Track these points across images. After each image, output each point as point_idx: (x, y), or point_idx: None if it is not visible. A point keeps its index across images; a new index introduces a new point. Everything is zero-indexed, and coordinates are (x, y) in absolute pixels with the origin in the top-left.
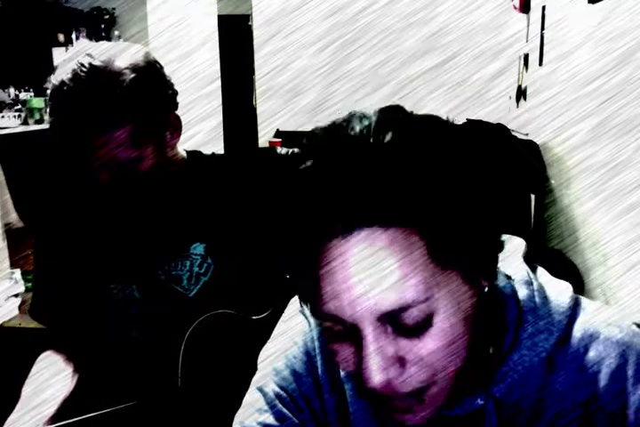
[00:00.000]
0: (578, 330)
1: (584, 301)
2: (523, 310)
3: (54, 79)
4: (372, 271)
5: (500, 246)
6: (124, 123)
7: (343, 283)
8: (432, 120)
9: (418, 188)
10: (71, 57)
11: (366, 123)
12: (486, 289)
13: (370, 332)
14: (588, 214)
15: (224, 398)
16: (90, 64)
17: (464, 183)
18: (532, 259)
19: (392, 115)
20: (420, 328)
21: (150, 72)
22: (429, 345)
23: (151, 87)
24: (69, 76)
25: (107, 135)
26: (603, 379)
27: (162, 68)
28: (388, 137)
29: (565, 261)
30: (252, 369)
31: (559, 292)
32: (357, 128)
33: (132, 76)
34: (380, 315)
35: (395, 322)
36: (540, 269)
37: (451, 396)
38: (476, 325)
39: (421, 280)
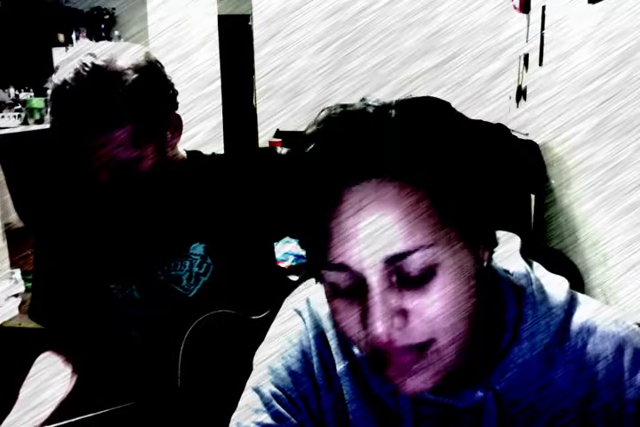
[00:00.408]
0: (575, 324)
1: (580, 295)
2: (522, 304)
3: (56, 78)
4: (380, 218)
5: (500, 217)
6: (126, 122)
7: (352, 229)
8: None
9: (424, 144)
10: (72, 56)
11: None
12: (485, 264)
13: (375, 281)
14: (587, 214)
15: (223, 399)
16: (92, 63)
17: (468, 146)
18: (531, 257)
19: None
20: (424, 278)
21: (152, 72)
22: (432, 297)
23: (153, 87)
24: (71, 75)
25: (108, 135)
26: (600, 372)
27: (163, 67)
28: (401, 102)
29: (565, 261)
30: (251, 369)
31: (556, 286)
32: (371, 100)
33: (135, 75)
34: (386, 260)
35: (400, 273)
36: (536, 264)
37: (445, 382)
38: (478, 299)
39: (425, 228)
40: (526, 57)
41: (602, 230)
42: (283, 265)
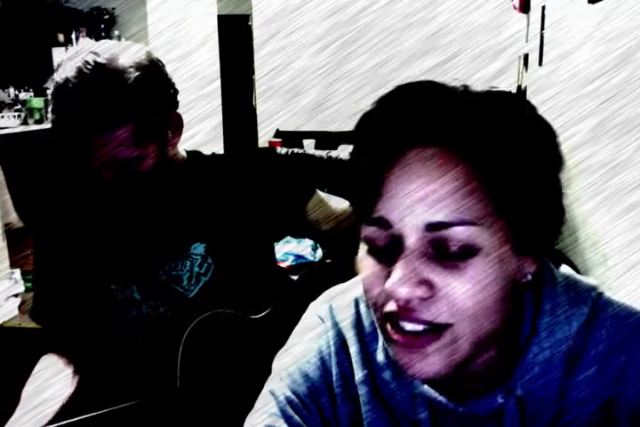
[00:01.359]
0: (601, 323)
1: (608, 296)
2: (542, 301)
3: (58, 76)
4: (429, 184)
5: (559, 223)
6: (128, 121)
7: (401, 189)
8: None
9: (488, 123)
10: (74, 55)
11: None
12: (529, 277)
13: (412, 242)
14: (587, 214)
15: (223, 398)
16: (94, 62)
17: (532, 136)
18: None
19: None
20: (460, 256)
21: (153, 71)
22: (463, 279)
23: (154, 86)
24: (74, 73)
25: (110, 133)
26: (626, 372)
27: (164, 66)
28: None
29: (565, 262)
30: (251, 368)
31: (582, 285)
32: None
33: (137, 74)
34: (428, 225)
35: (438, 244)
36: (564, 265)
37: (464, 390)
38: (507, 304)
39: (473, 205)
40: (526, 57)
41: (602, 230)
42: (283, 265)
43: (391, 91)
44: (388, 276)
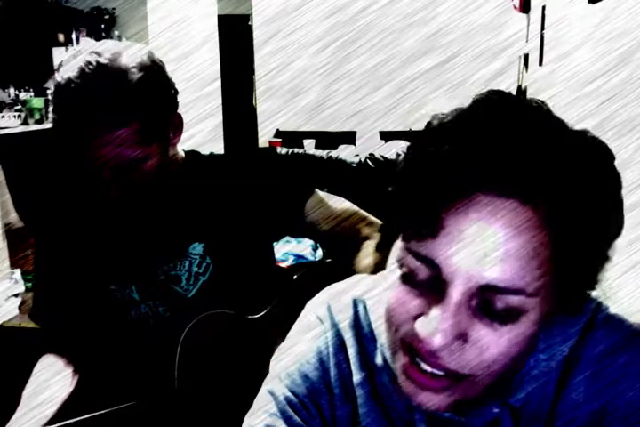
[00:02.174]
0: (597, 335)
1: (606, 305)
2: None
3: (59, 76)
4: (495, 240)
5: (596, 280)
6: (130, 121)
7: (461, 236)
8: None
9: (556, 164)
10: (76, 55)
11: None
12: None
13: (457, 293)
14: None
15: (221, 398)
16: (97, 62)
17: (596, 181)
18: None
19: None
20: (504, 318)
21: (155, 71)
22: (500, 338)
23: (156, 86)
24: (76, 73)
25: (112, 132)
26: (621, 384)
27: (165, 67)
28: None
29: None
30: (249, 368)
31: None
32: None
33: (139, 74)
34: (482, 285)
35: (485, 299)
36: None
37: (470, 399)
38: (528, 345)
39: (538, 275)
40: (526, 57)
41: None
42: (283, 265)
43: (469, 108)
44: (420, 312)
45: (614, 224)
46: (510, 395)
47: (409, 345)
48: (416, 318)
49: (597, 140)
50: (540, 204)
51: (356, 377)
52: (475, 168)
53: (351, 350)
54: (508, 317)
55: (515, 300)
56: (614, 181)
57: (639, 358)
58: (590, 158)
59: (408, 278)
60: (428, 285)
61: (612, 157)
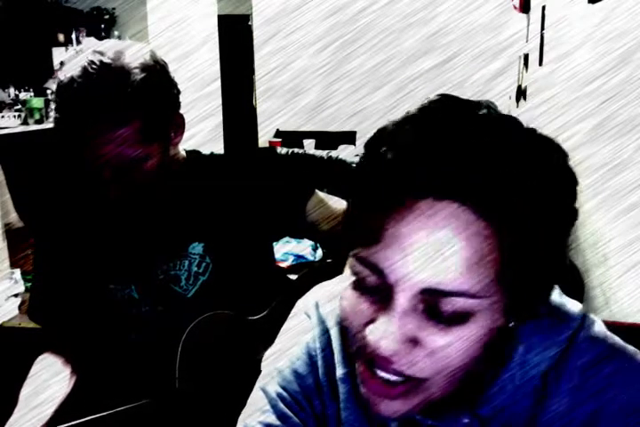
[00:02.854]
0: (579, 355)
1: (591, 322)
2: (521, 331)
3: (62, 75)
4: (437, 243)
5: (550, 288)
6: (132, 120)
7: (402, 242)
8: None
9: (506, 167)
10: (79, 54)
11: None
12: (511, 325)
13: (403, 299)
14: (587, 214)
15: (222, 399)
16: (100, 61)
17: (540, 182)
18: None
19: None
20: (451, 321)
21: (158, 71)
22: (450, 339)
23: (159, 85)
24: (79, 72)
25: (113, 132)
26: (601, 407)
27: (167, 66)
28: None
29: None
30: (249, 369)
31: (563, 312)
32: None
33: (142, 73)
34: (422, 290)
35: (430, 303)
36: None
37: (432, 405)
38: (489, 349)
39: (482, 276)
40: (526, 57)
41: (602, 230)
42: (283, 265)
43: (409, 117)
44: (370, 319)
45: (566, 223)
46: (481, 406)
47: (364, 352)
48: (367, 324)
49: (547, 139)
50: (484, 206)
51: (339, 372)
52: (412, 173)
53: (336, 346)
54: (455, 319)
55: (459, 302)
56: (564, 179)
57: (624, 367)
58: (536, 158)
59: (358, 285)
60: (377, 291)
61: (562, 156)
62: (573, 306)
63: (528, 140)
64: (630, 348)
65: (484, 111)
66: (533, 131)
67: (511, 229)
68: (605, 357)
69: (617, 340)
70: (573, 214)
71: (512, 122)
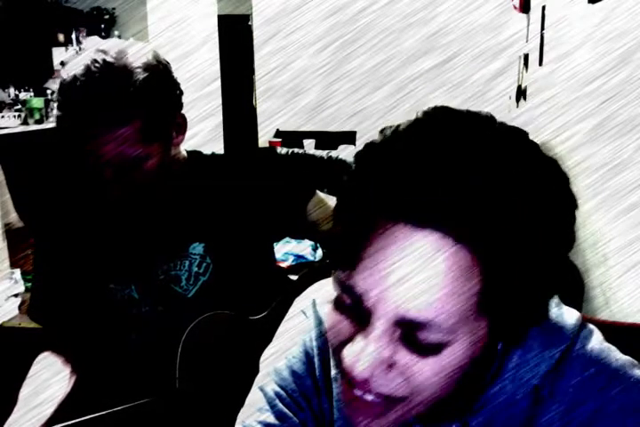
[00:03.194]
0: (573, 367)
1: (588, 333)
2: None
3: (65, 73)
4: (414, 272)
5: (542, 314)
6: (134, 119)
7: (379, 268)
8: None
9: (473, 195)
10: (82, 52)
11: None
12: (499, 346)
13: (380, 325)
14: (587, 214)
15: (222, 399)
16: (103, 60)
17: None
18: None
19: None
20: (426, 350)
21: (160, 71)
22: (428, 362)
23: (161, 86)
24: (81, 70)
25: (114, 131)
26: (597, 415)
27: (170, 67)
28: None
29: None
30: (250, 369)
31: (559, 323)
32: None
33: (145, 74)
34: (398, 318)
35: (408, 330)
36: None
37: (421, 415)
38: (474, 367)
39: (457, 310)
40: (526, 57)
41: (602, 230)
42: (283, 265)
43: (394, 135)
44: (349, 338)
45: (562, 249)
46: (471, 416)
47: (343, 372)
48: (346, 343)
49: (546, 160)
50: (467, 236)
51: (333, 371)
52: (389, 198)
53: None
54: (429, 349)
55: (435, 333)
56: (561, 206)
57: (616, 397)
58: (530, 185)
59: (339, 305)
60: (355, 312)
61: (561, 180)
62: (570, 317)
63: (521, 164)
64: (626, 360)
65: (476, 131)
66: (532, 150)
67: (497, 260)
68: (598, 376)
69: (612, 356)
70: (570, 239)
71: (505, 143)
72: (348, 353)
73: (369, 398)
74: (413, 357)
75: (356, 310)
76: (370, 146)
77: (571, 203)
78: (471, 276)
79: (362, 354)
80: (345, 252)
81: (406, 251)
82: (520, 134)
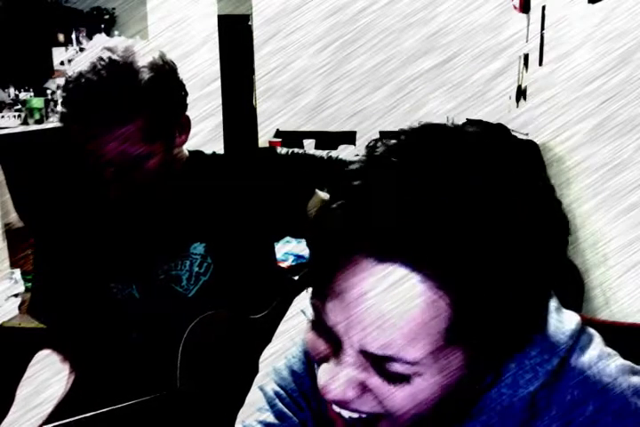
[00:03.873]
0: (571, 374)
1: (588, 339)
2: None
3: (71, 70)
4: (382, 309)
5: (523, 341)
6: (136, 118)
7: (346, 300)
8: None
9: (442, 228)
10: (88, 50)
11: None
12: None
13: (350, 351)
14: (587, 214)
15: (222, 398)
16: (109, 58)
17: (500, 229)
18: None
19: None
20: (396, 379)
21: (166, 71)
22: (399, 394)
23: (165, 86)
24: (87, 68)
25: (117, 129)
26: (593, 422)
27: (176, 67)
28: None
29: (565, 262)
30: (250, 368)
31: (559, 328)
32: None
33: (151, 74)
34: (364, 350)
35: (376, 361)
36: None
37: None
38: (455, 389)
39: (425, 343)
40: (526, 57)
41: (602, 230)
42: (283, 265)
43: (366, 163)
44: (324, 357)
45: (550, 279)
46: (470, 421)
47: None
48: (321, 362)
49: (533, 185)
50: (430, 268)
51: None
52: (351, 232)
53: None
54: (399, 378)
55: (401, 365)
56: (549, 233)
57: (612, 405)
58: (492, 218)
59: (315, 326)
60: (329, 335)
61: (550, 205)
62: (569, 323)
63: (501, 195)
64: (623, 367)
65: (456, 156)
66: (506, 183)
67: (466, 292)
68: (595, 385)
69: (610, 364)
70: (559, 267)
71: (487, 169)
72: (321, 375)
73: (346, 415)
74: (385, 384)
75: (329, 333)
76: (352, 169)
77: (563, 229)
78: (437, 308)
79: (334, 376)
80: (318, 279)
81: (369, 285)
82: (495, 162)
